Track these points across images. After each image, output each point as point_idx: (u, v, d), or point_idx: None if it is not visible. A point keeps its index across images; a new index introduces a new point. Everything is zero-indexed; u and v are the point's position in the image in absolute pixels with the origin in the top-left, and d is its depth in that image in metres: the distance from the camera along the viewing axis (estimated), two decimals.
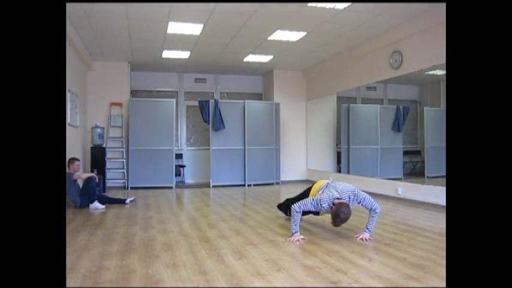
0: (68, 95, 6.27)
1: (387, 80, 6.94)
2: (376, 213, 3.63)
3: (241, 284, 2.47)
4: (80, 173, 6.06)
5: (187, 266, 2.83)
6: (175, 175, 8.62)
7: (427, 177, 6.57)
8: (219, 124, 8.49)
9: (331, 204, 3.48)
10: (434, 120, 6.86)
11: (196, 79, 9.88)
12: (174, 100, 8.69)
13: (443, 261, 2.78)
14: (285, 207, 4.58)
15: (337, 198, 3.49)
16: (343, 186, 3.64)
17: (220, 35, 6.63)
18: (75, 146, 6.90)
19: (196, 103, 9.14)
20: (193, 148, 9.90)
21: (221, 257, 3.07)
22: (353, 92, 8.32)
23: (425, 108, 7.08)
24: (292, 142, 9.58)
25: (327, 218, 4.85)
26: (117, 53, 7.85)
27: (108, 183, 7.96)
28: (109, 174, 8.12)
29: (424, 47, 5.73)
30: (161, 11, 5.45)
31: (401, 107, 7.92)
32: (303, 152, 9.69)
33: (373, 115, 8.41)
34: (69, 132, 6.24)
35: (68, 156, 5.67)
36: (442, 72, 5.88)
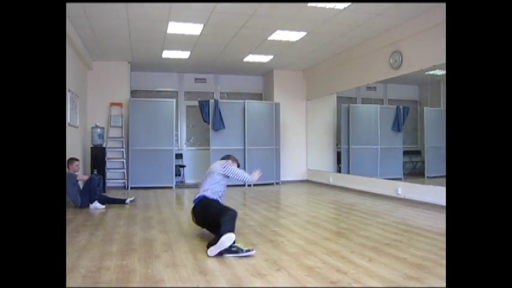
0: (68, 95, 6.27)
1: (387, 80, 6.94)
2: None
3: (241, 284, 2.48)
4: (82, 175, 6.08)
5: (187, 266, 2.83)
6: (175, 175, 8.61)
7: (427, 177, 6.58)
8: (219, 124, 8.49)
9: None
10: (434, 120, 6.87)
11: (196, 79, 9.87)
12: (174, 100, 8.70)
13: (443, 261, 2.78)
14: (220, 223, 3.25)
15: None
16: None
17: (220, 35, 6.63)
18: (75, 146, 6.90)
19: (196, 103, 9.14)
20: (193, 148, 9.90)
21: (221, 257, 3.07)
22: (353, 92, 8.32)
23: (425, 108, 7.10)
24: (292, 142, 9.57)
25: (327, 217, 4.85)
26: (117, 53, 7.85)
27: (108, 183, 7.96)
28: (109, 174, 8.11)
29: (424, 47, 5.73)
30: (161, 11, 5.44)
31: (401, 107, 7.93)
32: (303, 152, 9.69)
33: (373, 115, 8.41)
34: (69, 132, 6.24)
35: (67, 156, 5.67)
36: (442, 72, 5.88)
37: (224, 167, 3.87)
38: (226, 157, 4.22)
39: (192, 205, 3.85)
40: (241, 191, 7.77)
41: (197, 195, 3.81)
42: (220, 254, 3.05)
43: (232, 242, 3.05)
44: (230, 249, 3.05)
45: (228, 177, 3.89)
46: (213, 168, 3.96)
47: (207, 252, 3.10)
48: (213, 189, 3.78)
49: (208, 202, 3.66)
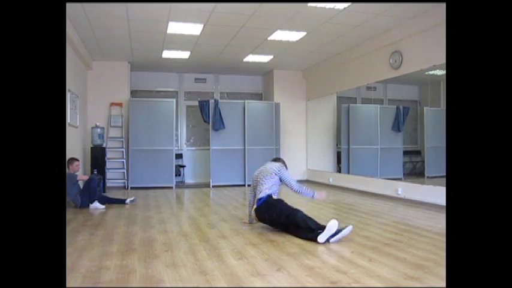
0: (68, 95, 6.27)
1: (387, 80, 6.94)
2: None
3: (241, 284, 2.48)
4: (82, 175, 6.07)
5: (187, 266, 2.83)
6: (175, 175, 8.61)
7: (427, 177, 6.57)
8: (219, 124, 8.49)
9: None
10: (434, 120, 6.86)
11: (196, 79, 9.88)
12: (174, 100, 8.70)
13: (443, 261, 2.78)
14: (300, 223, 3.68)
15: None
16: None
17: (220, 35, 6.63)
18: (75, 146, 6.90)
19: (196, 103, 9.14)
20: (193, 148, 9.90)
21: (221, 257, 3.07)
22: (353, 92, 8.32)
23: (425, 108, 7.08)
24: (292, 142, 9.57)
25: (327, 217, 4.84)
26: (117, 53, 7.85)
27: (108, 183, 7.96)
28: (109, 174, 8.11)
29: (424, 47, 5.73)
30: (161, 11, 5.45)
31: (401, 107, 7.92)
32: (303, 152, 9.69)
33: (373, 115, 8.40)
34: (69, 132, 6.24)
35: (67, 156, 5.67)
36: (442, 72, 5.88)
37: (279, 169, 4.10)
38: (277, 159, 4.41)
39: (255, 206, 4.07)
40: (241, 191, 7.78)
41: (260, 195, 3.98)
42: (327, 240, 3.41)
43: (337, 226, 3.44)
44: (335, 233, 3.43)
45: (280, 179, 4.10)
46: (269, 168, 4.14)
47: (318, 240, 3.39)
48: (274, 189, 4.02)
49: (275, 202, 3.91)
